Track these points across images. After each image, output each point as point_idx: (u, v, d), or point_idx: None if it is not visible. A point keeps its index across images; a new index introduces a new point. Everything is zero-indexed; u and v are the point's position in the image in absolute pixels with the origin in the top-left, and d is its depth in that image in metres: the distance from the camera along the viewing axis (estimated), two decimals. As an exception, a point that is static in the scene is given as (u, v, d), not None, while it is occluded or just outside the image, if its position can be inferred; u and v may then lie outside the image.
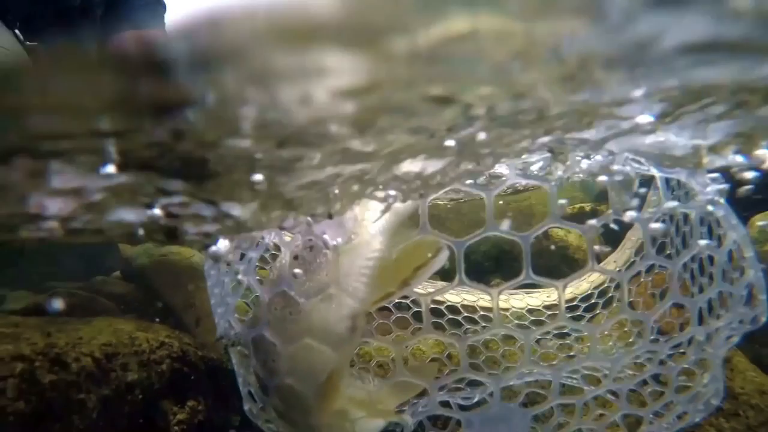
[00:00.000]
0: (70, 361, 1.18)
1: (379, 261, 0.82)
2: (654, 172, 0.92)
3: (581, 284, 2.14)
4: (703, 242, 0.94)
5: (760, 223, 1.88)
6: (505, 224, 0.82)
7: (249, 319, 0.95)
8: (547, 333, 1.58)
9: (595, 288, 1.72)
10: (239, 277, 0.93)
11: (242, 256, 0.97)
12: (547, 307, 1.77)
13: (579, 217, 3.29)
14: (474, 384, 1.11)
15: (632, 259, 1.61)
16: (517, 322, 1.68)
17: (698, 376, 1.05)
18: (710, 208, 0.95)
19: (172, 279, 2.39)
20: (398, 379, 0.83)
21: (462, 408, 1.03)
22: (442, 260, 0.78)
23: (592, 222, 0.84)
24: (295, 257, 0.82)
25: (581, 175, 0.89)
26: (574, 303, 1.70)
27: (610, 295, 1.66)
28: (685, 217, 1.16)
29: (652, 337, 1.00)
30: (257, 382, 0.89)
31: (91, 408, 1.13)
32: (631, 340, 1.50)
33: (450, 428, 1.17)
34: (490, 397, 0.93)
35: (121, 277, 2.61)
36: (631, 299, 1.57)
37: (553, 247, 2.26)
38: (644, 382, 1.18)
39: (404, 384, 0.88)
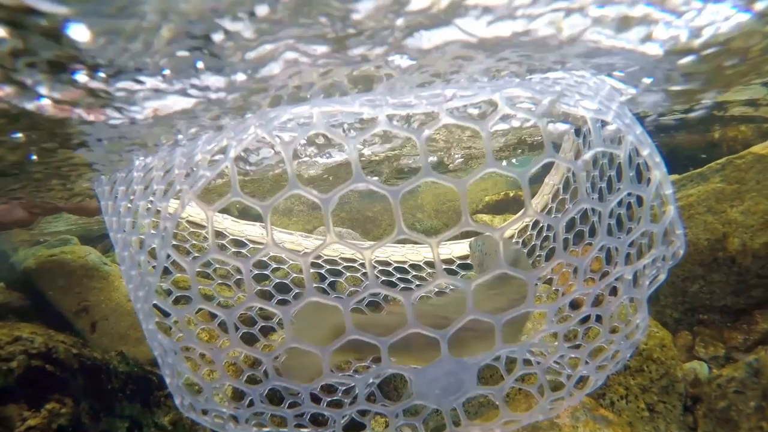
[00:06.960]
0: None
1: None
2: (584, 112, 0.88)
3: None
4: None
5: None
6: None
7: None
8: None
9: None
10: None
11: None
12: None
13: (503, 204, 3.35)
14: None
15: (550, 205, 1.65)
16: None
17: (631, 315, 1.02)
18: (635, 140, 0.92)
19: (62, 281, 2.11)
20: None
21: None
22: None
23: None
24: None
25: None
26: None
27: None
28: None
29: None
30: None
31: None
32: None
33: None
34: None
35: (5, 286, 2.29)
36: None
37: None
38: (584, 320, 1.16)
39: None
